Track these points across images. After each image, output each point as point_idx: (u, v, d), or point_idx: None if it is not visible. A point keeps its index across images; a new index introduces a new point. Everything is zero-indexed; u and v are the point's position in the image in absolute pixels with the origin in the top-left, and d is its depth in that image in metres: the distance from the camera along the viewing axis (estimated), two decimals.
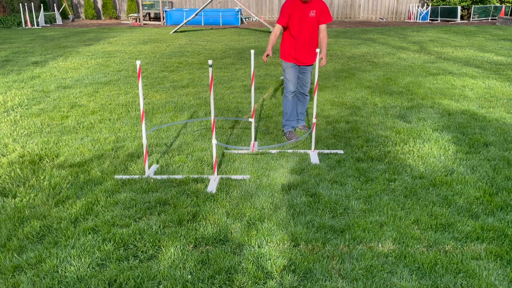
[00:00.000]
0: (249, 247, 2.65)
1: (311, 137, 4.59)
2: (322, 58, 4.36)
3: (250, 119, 4.30)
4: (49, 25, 19.98)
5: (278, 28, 4.38)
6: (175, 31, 16.60)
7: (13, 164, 3.87)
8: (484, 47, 11.43)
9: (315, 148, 4.29)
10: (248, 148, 4.18)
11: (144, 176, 3.63)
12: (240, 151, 4.18)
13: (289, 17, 4.28)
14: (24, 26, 18.80)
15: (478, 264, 2.49)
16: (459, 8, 20.70)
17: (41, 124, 5.04)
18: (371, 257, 2.54)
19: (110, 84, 7.16)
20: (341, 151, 4.17)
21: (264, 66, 8.87)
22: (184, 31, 17.24)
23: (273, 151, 4.20)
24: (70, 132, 4.78)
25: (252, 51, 4.06)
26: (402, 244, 2.68)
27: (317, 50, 4.03)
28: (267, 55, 4.39)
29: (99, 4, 23.94)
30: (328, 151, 4.18)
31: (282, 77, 7.71)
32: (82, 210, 3.08)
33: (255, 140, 4.54)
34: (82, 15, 24.16)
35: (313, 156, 4.05)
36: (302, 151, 4.19)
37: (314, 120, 4.09)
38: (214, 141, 3.54)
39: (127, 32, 16.62)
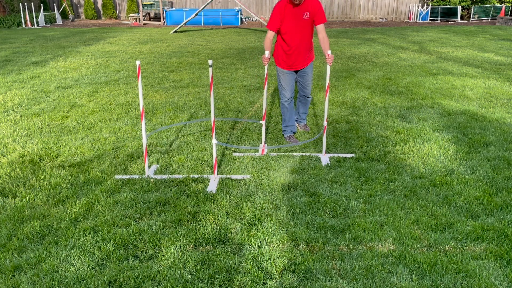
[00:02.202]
0: (249, 247, 2.65)
1: (314, 140, 4.59)
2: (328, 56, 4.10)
3: (261, 121, 4.26)
4: (49, 25, 19.98)
5: (271, 34, 4.13)
6: (175, 31, 16.60)
7: (13, 164, 3.87)
8: (484, 47, 11.43)
9: (317, 150, 4.29)
10: (257, 148, 4.13)
11: (144, 176, 3.63)
12: (248, 154, 4.15)
13: (281, 22, 4.02)
14: (24, 26, 18.80)
15: (478, 264, 2.49)
16: (459, 8, 20.70)
17: (41, 124, 5.04)
18: (371, 257, 2.54)
19: (110, 84, 7.16)
20: (352, 155, 4.10)
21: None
22: (184, 31, 17.24)
23: (273, 152, 4.19)
24: (70, 132, 4.78)
25: (267, 52, 3.96)
26: (402, 244, 2.68)
27: (329, 52, 3.88)
28: (268, 58, 4.14)
29: (99, 4, 23.94)
30: (338, 155, 4.09)
31: None
32: (82, 210, 3.08)
33: (265, 142, 4.44)
34: (82, 15, 24.16)
35: (324, 160, 3.98)
36: (314, 154, 4.13)
37: (325, 123, 4.02)
38: (214, 141, 3.54)
39: (127, 32, 16.62)
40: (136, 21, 21.44)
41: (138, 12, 22.34)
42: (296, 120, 4.84)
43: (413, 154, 4.11)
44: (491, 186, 3.45)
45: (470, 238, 2.75)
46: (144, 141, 3.61)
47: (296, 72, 4.43)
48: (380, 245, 2.67)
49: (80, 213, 3.04)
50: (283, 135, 4.65)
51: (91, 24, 20.57)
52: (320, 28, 4.12)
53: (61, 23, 20.85)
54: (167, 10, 20.83)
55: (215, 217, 2.99)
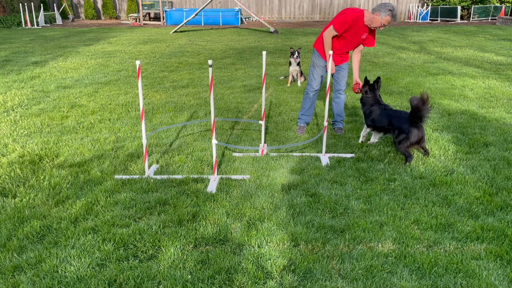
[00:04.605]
0: (249, 247, 2.65)
1: (314, 140, 4.59)
2: (357, 82, 4.50)
3: (260, 122, 4.25)
4: (49, 25, 19.98)
5: (333, 34, 4.32)
6: (175, 31, 16.60)
7: (13, 164, 3.87)
8: (484, 47, 11.43)
9: (317, 150, 4.28)
10: (257, 148, 4.12)
11: (144, 176, 3.63)
12: (248, 154, 4.14)
13: (348, 28, 4.26)
14: (24, 26, 18.80)
15: (478, 264, 2.49)
16: (459, 8, 20.70)
17: (41, 124, 5.04)
18: (371, 257, 2.54)
19: (110, 84, 7.16)
20: (352, 155, 4.11)
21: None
22: (184, 31, 17.24)
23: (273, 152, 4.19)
24: (70, 132, 4.78)
25: (264, 53, 3.97)
26: (402, 244, 2.68)
27: (330, 52, 3.95)
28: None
29: (99, 4, 23.94)
30: (338, 155, 4.09)
31: (282, 77, 7.70)
32: (82, 210, 3.07)
33: (265, 142, 4.43)
34: (82, 15, 24.16)
35: (324, 160, 3.98)
36: (314, 154, 4.13)
37: (325, 124, 4.03)
38: (214, 141, 3.54)
39: (127, 32, 16.62)
40: (136, 21, 21.44)
41: (138, 12, 22.34)
42: (332, 123, 4.93)
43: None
44: (491, 186, 3.45)
45: (470, 238, 2.75)
46: (144, 141, 3.61)
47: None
48: (380, 245, 2.67)
49: (80, 213, 3.04)
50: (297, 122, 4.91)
51: (91, 24, 20.57)
52: (361, 48, 4.54)
53: (61, 23, 20.85)
54: (167, 10, 20.83)
55: (215, 217, 2.99)
